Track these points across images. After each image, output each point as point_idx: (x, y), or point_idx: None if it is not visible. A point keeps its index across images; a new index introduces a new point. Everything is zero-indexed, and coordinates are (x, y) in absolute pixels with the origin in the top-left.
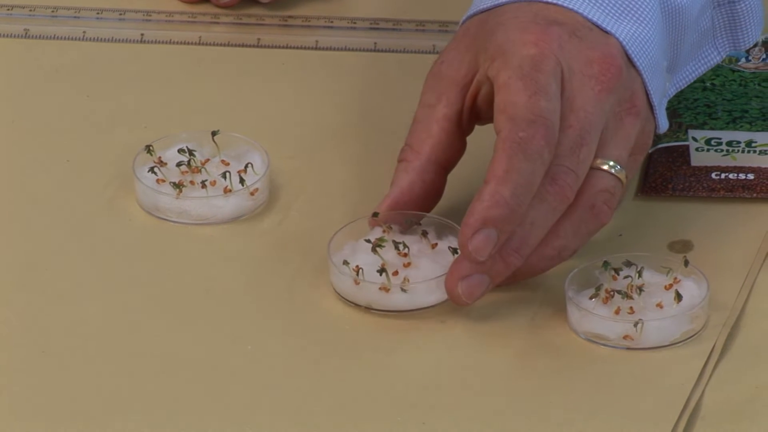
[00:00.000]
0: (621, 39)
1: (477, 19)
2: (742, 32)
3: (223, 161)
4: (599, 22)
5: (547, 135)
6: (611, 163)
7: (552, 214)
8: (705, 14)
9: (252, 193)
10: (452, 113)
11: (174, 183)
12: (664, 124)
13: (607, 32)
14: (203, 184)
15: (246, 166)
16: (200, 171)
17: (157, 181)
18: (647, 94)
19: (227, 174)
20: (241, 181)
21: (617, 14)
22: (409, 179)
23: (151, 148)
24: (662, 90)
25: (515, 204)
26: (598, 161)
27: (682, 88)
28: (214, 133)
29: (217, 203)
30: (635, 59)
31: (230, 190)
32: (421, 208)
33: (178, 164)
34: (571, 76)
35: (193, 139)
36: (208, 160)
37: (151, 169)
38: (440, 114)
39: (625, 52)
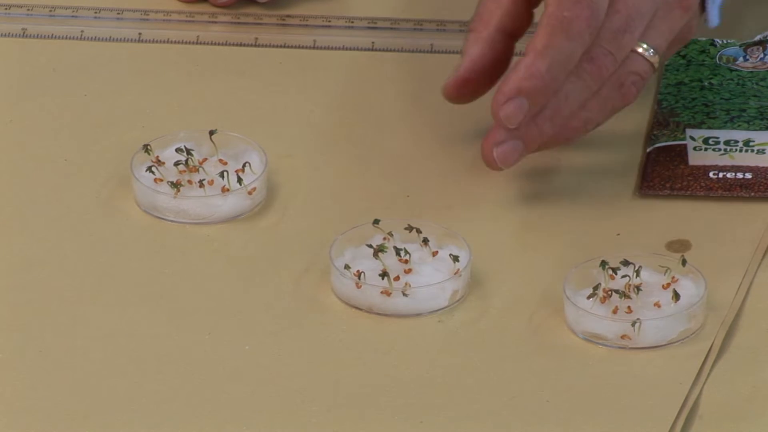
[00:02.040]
0: None
1: None
2: None
3: (220, 160)
4: None
5: (590, 17)
6: (651, 50)
7: (587, 91)
8: None
9: (250, 193)
10: None
11: (172, 182)
12: (715, 20)
13: None
14: (201, 184)
15: (244, 166)
16: (198, 170)
17: (155, 180)
18: None
19: (225, 173)
20: (239, 180)
21: None
22: (479, 49)
23: (148, 147)
24: None
25: (550, 78)
26: (638, 44)
27: None
28: (211, 133)
29: (215, 202)
30: None
31: (228, 190)
32: (490, 76)
33: (176, 163)
34: None
35: (191, 139)
36: (206, 159)
37: (149, 169)
38: None
39: None
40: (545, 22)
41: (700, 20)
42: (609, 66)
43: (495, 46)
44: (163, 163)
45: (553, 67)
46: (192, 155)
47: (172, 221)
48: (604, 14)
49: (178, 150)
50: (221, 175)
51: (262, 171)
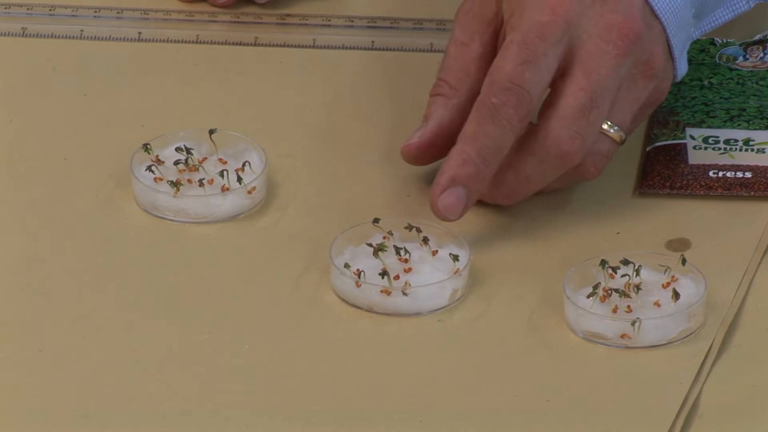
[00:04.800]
0: None
1: None
2: None
3: (220, 160)
4: None
5: (518, 104)
6: (615, 127)
7: (551, 173)
8: None
9: (249, 192)
10: (487, 53)
11: (171, 181)
12: (682, 70)
13: None
14: (201, 183)
15: (243, 165)
16: (198, 169)
17: (155, 179)
18: (669, 49)
19: (225, 172)
20: (239, 179)
21: None
22: (449, 115)
23: (148, 146)
24: (686, 39)
25: (481, 163)
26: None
27: (708, 32)
28: (211, 132)
29: (215, 201)
30: (660, 14)
31: (228, 189)
32: (450, 146)
33: (176, 162)
34: (585, 40)
35: (191, 138)
36: (205, 158)
37: (149, 168)
38: (476, 53)
39: (651, 7)
40: (475, 107)
41: (671, 74)
42: (577, 149)
43: (464, 114)
44: (163, 162)
45: (483, 152)
46: (192, 154)
47: (171, 220)
48: (539, 100)
49: (177, 149)
50: (221, 174)
51: (261, 170)
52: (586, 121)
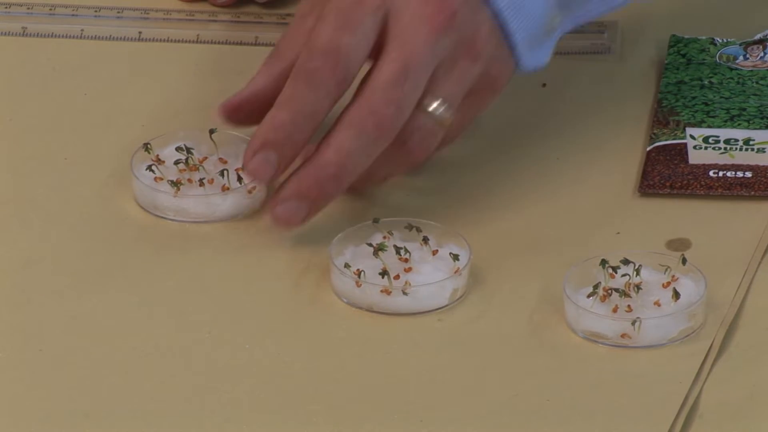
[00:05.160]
0: None
1: None
2: None
3: (221, 159)
4: None
5: (335, 68)
6: (435, 103)
7: (372, 145)
8: None
9: (250, 191)
10: None
11: (172, 181)
12: (538, 60)
13: None
14: (201, 182)
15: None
16: (198, 169)
17: (155, 179)
18: (508, 35)
19: (225, 172)
20: (239, 179)
21: None
22: (264, 81)
23: (148, 146)
24: (539, 27)
25: (293, 129)
26: (421, 99)
27: (583, 23)
28: (212, 131)
29: (215, 201)
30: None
31: (228, 188)
32: (265, 110)
33: (176, 162)
34: (401, 13)
35: (191, 138)
36: (205, 158)
37: (149, 167)
38: (308, 26)
39: None
40: (292, 73)
41: (508, 62)
42: (392, 116)
43: (281, 81)
44: (163, 161)
45: (296, 117)
46: (192, 154)
47: (172, 220)
48: (357, 66)
49: (178, 149)
50: (221, 173)
51: None
52: (400, 90)
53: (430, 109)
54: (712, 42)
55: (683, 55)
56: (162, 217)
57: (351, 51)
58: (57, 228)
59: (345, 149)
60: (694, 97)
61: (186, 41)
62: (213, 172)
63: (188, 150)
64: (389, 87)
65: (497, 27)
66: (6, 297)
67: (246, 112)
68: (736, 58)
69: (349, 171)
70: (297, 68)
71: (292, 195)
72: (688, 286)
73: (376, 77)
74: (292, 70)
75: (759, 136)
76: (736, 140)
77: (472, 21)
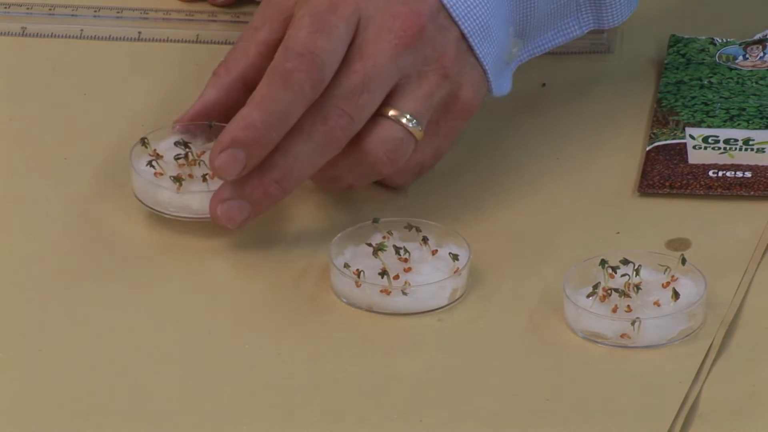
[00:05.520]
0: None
1: None
2: (608, 10)
3: None
4: None
5: (311, 70)
6: (407, 116)
7: (319, 153)
8: None
9: None
10: (271, 39)
11: (174, 177)
12: (502, 88)
13: None
14: (204, 178)
15: None
16: (198, 164)
17: (155, 174)
18: (479, 59)
19: None
20: None
21: None
22: (215, 94)
23: (145, 140)
24: (503, 55)
25: (264, 129)
26: (389, 110)
27: (538, 54)
28: (210, 125)
29: None
30: (459, 22)
31: None
32: (220, 120)
33: (176, 157)
34: (369, 25)
35: (186, 131)
36: (203, 152)
37: (149, 163)
38: (260, 38)
39: (448, 12)
40: (267, 73)
41: (480, 85)
42: (344, 127)
43: (231, 94)
44: (162, 156)
45: (269, 118)
46: (190, 149)
47: (173, 216)
48: (331, 70)
49: (176, 143)
50: None
51: None
52: (354, 103)
53: (395, 117)
54: (712, 42)
55: (683, 55)
56: (163, 213)
57: (326, 54)
58: (56, 228)
59: (292, 153)
60: (693, 97)
61: (186, 41)
62: None
63: (186, 144)
64: (344, 98)
65: (466, 50)
66: (6, 297)
67: (199, 125)
68: (735, 58)
69: (294, 176)
70: (272, 68)
71: (235, 194)
72: (687, 286)
73: (333, 86)
74: (268, 70)
75: (758, 136)
76: (736, 140)
77: (441, 40)
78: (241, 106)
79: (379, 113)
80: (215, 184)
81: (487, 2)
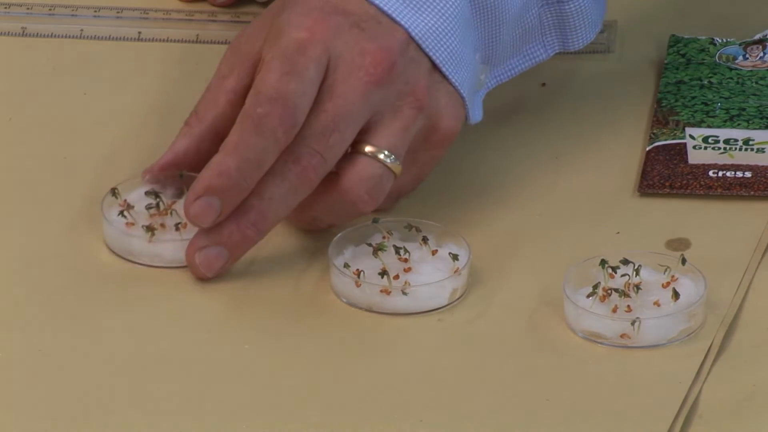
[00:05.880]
0: (412, 31)
1: None
2: (573, 33)
3: None
4: (392, 13)
5: (284, 115)
6: (384, 152)
7: (293, 194)
8: (530, 11)
9: None
10: (240, 87)
11: (146, 226)
12: (475, 116)
13: (398, 23)
14: (177, 227)
15: None
16: (170, 213)
17: (127, 224)
18: (454, 87)
19: None
20: None
21: (415, 6)
22: (185, 144)
23: (116, 190)
24: (473, 82)
25: (239, 176)
26: (365, 146)
27: (505, 81)
28: (180, 175)
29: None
30: (430, 53)
31: None
32: (190, 170)
33: (147, 207)
34: (339, 64)
35: (156, 182)
36: (174, 201)
37: (121, 213)
38: (229, 86)
39: (418, 44)
40: (239, 118)
41: (456, 114)
42: (316, 166)
43: (202, 144)
44: (133, 206)
45: (243, 165)
46: (161, 198)
47: (146, 265)
48: (304, 114)
49: (147, 193)
50: None
51: None
52: (325, 143)
53: (372, 154)
54: (712, 42)
55: (683, 55)
56: (135, 262)
57: (298, 98)
58: (56, 228)
59: (266, 195)
60: (693, 97)
61: (186, 41)
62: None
63: (157, 194)
64: (315, 138)
65: (441, 80)
66: (6, 297)
67: (169, 176)
68: (735, 58)
69: (270, 218)
70: (244, 114)
71: (212, 241)
72: (687, 286)
73: (305, 126)
74: (240, 115)
75: (758, 136)
76: (736, 140)
77: (413, 73)
78: (212, 156)
79: (356, 150)
80: (188, 233)
81: (455, 31)
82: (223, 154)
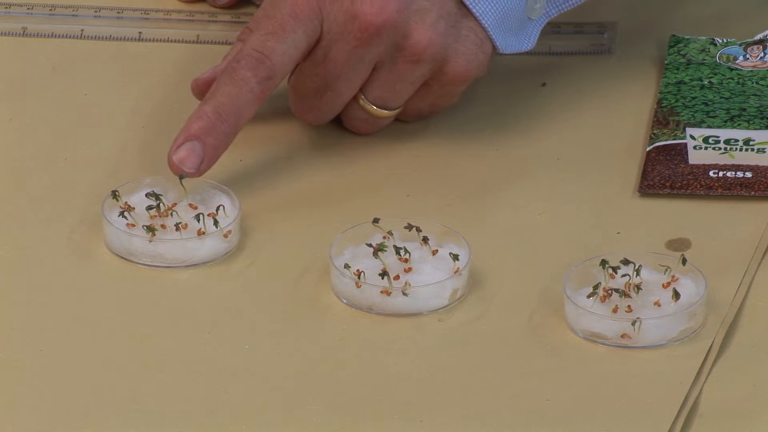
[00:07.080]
0: None
1: None
2: None
3: (190, 205)
4: None
5: (255, 68)
6: (369, 105)
7: (258, 102)
8: None
9: (225, 236)
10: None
11: (147, 226)
12: (516, 46)
13: None
14: (177, 227)
15: (218, 209)
16: (170, 215)
17: (128, 225)
18: (478, 19)
19: (200, 216)
20: (215, 223)
21: None
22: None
23: (116, 193)
24: (514, 10)
25: (215, 118)
26: (360, 96)
27: (568, 8)
28: (181, 178)
29: (194, 246)
30: None
31: (204, 233)
32: None
33: (148, 208)
34: (332, 28)
35: (158, 184)
36: (175, 204)
37: (121, 214)
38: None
39: None
40: (221, 71)
41: (480, 52)
42: (312, 121)
43: None
44: (134, 208)
45: (219, 108)
46: (161, 200)
47: (147, 265)
48: (282, 69)
49: (147, 195)
50: (197, 218)
51: (236, 214)
52: (320, 101)
53: (366, 106)
54: (712, 42)
55: (683, 55)
56: (135, 262)
57: (275, 54)
58: (56, 228)
59: (231, 93)
60: (694, 97)
61: (186, 41)
62: (186, 218)
63: (157, 196)
64: (310, 97)
65: (455, 23)
66: (5, 296)
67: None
68: (736, 58)
69: (230, 107)
70: (224, 67)
71: (184, 138)
72: (688, 287)
73: (300, 85)
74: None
75: (759, 136)
76: (736, 140)
77: (415, 24)
78: None
79: (354, 98)
80: (189, 233)
81: None
82: (202, 103)
